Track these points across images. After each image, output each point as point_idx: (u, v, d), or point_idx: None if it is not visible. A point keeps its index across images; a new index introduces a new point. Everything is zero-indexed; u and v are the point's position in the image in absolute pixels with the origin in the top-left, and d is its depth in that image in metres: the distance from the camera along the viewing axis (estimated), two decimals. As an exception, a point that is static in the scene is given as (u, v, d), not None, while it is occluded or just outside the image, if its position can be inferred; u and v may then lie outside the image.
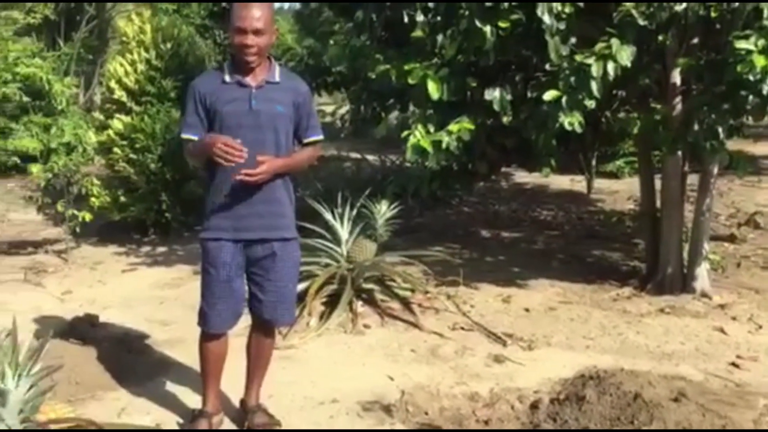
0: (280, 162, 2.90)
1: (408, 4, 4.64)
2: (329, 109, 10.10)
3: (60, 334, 4.01)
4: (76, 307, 4.69)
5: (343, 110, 7.37)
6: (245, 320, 3.17)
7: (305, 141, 3.05)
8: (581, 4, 4.33)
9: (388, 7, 4.80)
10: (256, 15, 2.79)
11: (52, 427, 2.26)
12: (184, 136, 2.96)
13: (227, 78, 2.90)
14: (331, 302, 4.61)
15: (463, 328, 4.45)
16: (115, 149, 6.42)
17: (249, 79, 2.89)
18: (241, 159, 2.72)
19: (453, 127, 4.49)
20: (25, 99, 9.45)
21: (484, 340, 4.27)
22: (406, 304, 4.75)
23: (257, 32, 2.80)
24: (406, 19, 4.67)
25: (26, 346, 2.29)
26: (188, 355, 3.73)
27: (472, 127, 4.54)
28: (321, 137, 3.10)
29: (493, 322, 4.53)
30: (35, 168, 6.54)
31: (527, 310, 4.81)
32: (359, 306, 4.66)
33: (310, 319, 4.45)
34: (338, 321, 4.46)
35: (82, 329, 4.17)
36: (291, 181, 3.06)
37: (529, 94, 4.57)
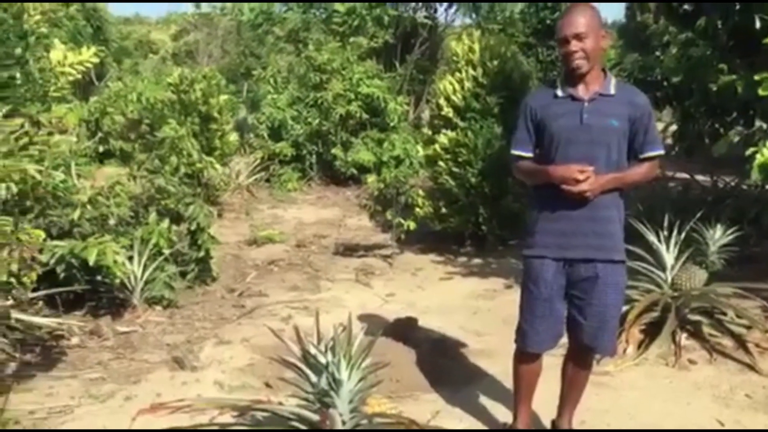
0: (607, 177, 2.76)
1: (761, 7, 4.14)
2: (659, 126, 9.45)
3: (383, 332, 4.31)
4: (398, 308, 5.02)
5: (674, 127, 6.82)
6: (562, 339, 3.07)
7: (642, 156, 2.84)
8: None
9: (737, 12, 4.33)
10: (575, 20, 2.72)
11: (378, 420, 2.39)
12: (514, 152, 2.95)
13: (559, 92, 2.85)
14: (652, 331, 4.31)
15: (813, 378, 3.83)
16: (440, 163, 6.75)
17: (581, 92, 2.80)
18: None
19: (813, 144, 3.90)
20: (364, 116, 10.44)
21: (842, 396, 3.63)
22: (740, 342, 4.24)
23: (578, 37, 2.71)
24: (758, 24, 4.17)
25: (358, 341, 2.47)
26: (500, 368, 3.75)
27: (837, 144, 3.90)
28: (660, 152, 2.86)
29: None
30: (370, 178, 7.16)
31: None
32: (683, 338, 4.27)
33: (627, 347, 4.20)
34: (659, 352, 4.15)
35: (403, 330, 4.43)
36: (622, 200, 2.88)
37: None
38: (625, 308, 4.21)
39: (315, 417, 2.34)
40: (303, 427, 2.38)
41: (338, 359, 2.35)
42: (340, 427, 2.29)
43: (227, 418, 2.51)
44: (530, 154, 2.93)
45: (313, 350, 2.38)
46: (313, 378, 2.37)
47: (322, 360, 2.35)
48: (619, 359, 4.05)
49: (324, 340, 2.38)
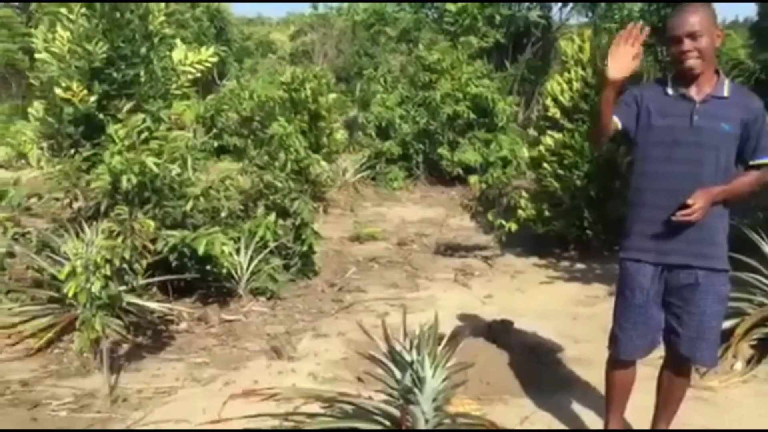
0: (716, 191, 2.64)
1: None
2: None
3: (477, 334, 4.31)
4: (495, 311, 4.98)
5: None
6: (659, 350, 2.96)
7: (752, 163, 2.70)
8: None
9: None
10: (689, 19, 2.61)
11: (461, 420, 2.40)
12: None
13: (670, 91, 2.74)
14: (763, 347, 4.08)
15: None
16: (545, 164, 6.63)
17: (692, 93, 2.69)
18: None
19: None
20: (472, 116, 10.40)
21: None
22: None
23: (692, 36, 2.61)
24: None
25: (446, 340, 2.48)
26: (595, 376, 3.65)
27: None
28: None
29: None
30: (473, 179, 7.12)
31: None
32: (798, 357, 4.01)
33: (734, 362, 3.99)
34: (769, 370, 3.91)
35: (498, 333, 4.40)
36: (726, 208, 2.75)
37: None
38: (734, 321, 4.04)
39: (397, 413, 2.38)
40: (386, 423, 2.43)
41: (422, 357, 2.38)
42: (422, 424, 2.32)
43: (314, 408, 2.59)
44: (619, 123, 2.76)
45: (398, 347, 2.42)
46: (398, 375, 2.41)
47: (407, 357, 2.38)
48: (725, 375, 3.86)
49: (410, 338, 2.42)
